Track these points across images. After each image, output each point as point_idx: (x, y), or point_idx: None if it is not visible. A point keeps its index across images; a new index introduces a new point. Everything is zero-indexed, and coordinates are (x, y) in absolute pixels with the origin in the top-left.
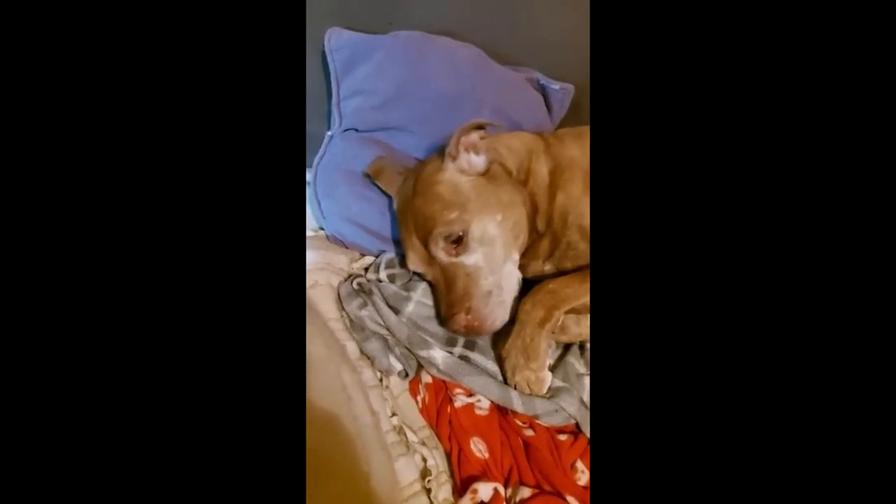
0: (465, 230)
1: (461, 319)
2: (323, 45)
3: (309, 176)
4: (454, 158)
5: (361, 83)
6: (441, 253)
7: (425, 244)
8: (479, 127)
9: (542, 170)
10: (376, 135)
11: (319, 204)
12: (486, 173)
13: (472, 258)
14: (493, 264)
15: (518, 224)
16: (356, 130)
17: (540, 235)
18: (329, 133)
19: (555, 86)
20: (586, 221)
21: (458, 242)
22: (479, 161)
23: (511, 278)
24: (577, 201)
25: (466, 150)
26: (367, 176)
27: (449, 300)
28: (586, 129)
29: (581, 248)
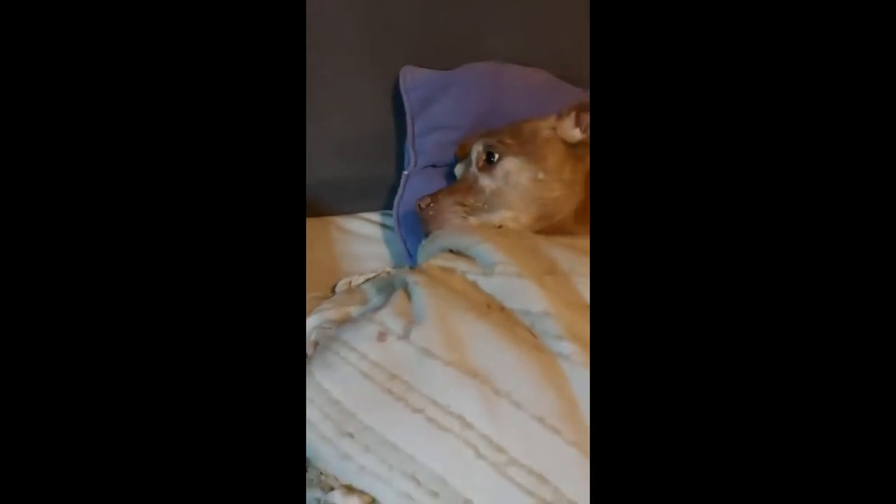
0: (503, 156)
1: (424, 201)
2: (395, 85)
3: (388, 219)
4: (559, 117)
5: (439, 119)
6: (474, 159)
7: (470, 150)
8: None
9: None
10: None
11: (405, 243)
12: (571, 146)
13: (485, 180)
14: (495, 200)
15: (556, 203)
16: (433, 167)
17: None
18: (405, 172)
19: None
20: None
21: (490, 162)
22: (574, 134)
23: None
24: None
25: (576, 121)
26: (456, 155)
27: (443, 189)
28: None
29: None
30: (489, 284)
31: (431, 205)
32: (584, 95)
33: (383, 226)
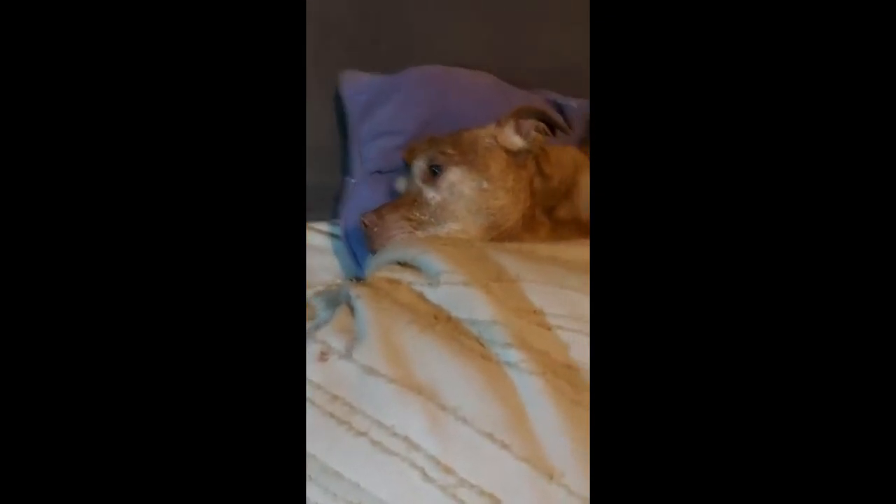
0: (445, 167)
1: (369, 218)
2: (336, 91)
3: (337, 229)
4: (499, 125)
5: (383, 125)
6: (417, 172)
7: (413, 163)
8: (541, 118)
9: (586, 182)
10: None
11: (355, 254)
12: (513, 154)
13: (431, 193)
14: (441, 213)
15: (503, 212)
16: (379, 173)
17: None
18: (352, 181)
19: (572, 104)
20: None
21: (435, 174)
22: (515, 141)
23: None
24: None
25: (516, 128)
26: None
27: (384, 204)
28: None
29: None
30: (436, 294)
31: (376, 221)
32: (530, 99)
33: (332, 235)
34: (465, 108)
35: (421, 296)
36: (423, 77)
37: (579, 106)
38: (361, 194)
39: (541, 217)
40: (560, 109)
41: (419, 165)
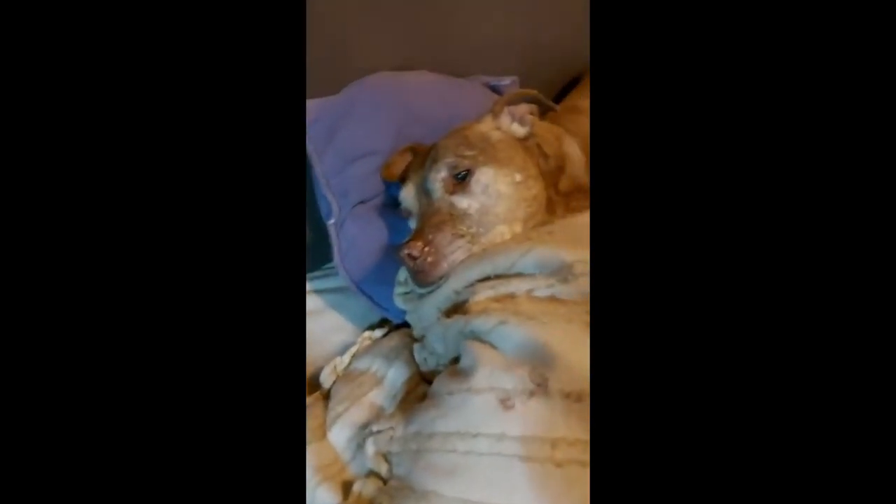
0: (473, 170)
1: (415, 248)
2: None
3: (318, 283)
4: (495, 116)
5: (354, 148)
6: (438, 184)
7: (426, 176)
8: (534, 101)
9: (574, 150)
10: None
11: (372, 298)
12: (521, 141)
13: (465, 202)
14: (486, 219)
15: (536, 201)
16: (362, 203)
17: None
18: (331, 222)
19: (504, 82)
20: None
21: (461, 181)
22: (519, 130)
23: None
24: None
25: (511, 115)
26: (384, 178)
27: (417, 229)
28: (575, 94)
29: None
30: (574, 291)
31: (425, 249)
32: (472, 86)
33: (316, 292)
34: (429, 109)
35: (551, 299)
36: (375, 88)
37: (511, 82)
38: (351, 233)
39: (553, 196)
40: (495, 90)
41: (437, 177)
